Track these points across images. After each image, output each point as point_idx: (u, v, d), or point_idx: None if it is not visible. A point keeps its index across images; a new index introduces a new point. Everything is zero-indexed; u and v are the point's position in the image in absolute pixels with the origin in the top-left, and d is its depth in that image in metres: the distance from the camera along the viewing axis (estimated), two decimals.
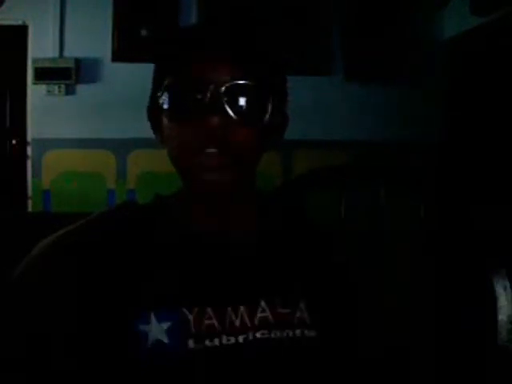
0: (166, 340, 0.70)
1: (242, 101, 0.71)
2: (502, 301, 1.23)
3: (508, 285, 1.25)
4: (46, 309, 0.71)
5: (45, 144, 3.19)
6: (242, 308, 0.73)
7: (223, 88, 0.69)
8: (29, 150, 3.20)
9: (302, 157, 3.24)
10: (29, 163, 3.21)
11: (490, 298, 1.24)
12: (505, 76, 2.66)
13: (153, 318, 0.70)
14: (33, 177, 3.21)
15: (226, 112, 0.69)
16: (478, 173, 2.76)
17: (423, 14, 3.29)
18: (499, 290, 1.24)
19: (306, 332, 0.75)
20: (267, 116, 0.73)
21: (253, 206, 0.81)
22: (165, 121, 0.74)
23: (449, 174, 3.01)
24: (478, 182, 2.67)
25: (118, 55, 3.15)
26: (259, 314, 0.74)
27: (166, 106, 0.73)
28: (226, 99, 0.69)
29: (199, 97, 0.70)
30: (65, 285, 0.71)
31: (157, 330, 0.70)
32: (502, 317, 1.22)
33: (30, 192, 3.21)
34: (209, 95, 0.69)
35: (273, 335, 0.73)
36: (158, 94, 0.74)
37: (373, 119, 3.22)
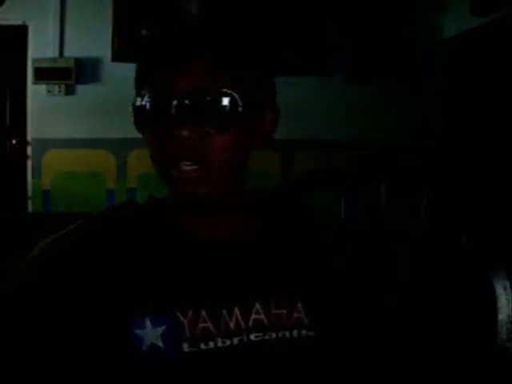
0: (161, 344, 0.70)
1: (210, 109, 0.69)
2: (502, 301, 1.23)
3: (508, 285, 1.25)
4: (45, 308, 0.71)
5: (45, 144, 3.19)
6: (236, 310, 0.73)
7: (188, 99, 0.68)
8: (29, 150, 3.20)
9: (301, 157, 3.24)
10: (29, 163, 3.21)
11: (490, 298, 1.24)
12: (505, 76, 2.66)
13: (148, 323, 0.70)
14: (33, 177, 3.21)
15: (194, 122, 0.69)
16: (478, 173, 2.76)
17: (423, 14, 3.29)
18: (499, 290, 1.24)
19: (303, 332, 0.75)
20: (238, 120, 0.71)
21: (249, 206, 0.81)
22: (144, 131, 0.74)
23: (449, 174, 3.01)
24: (478, 183, 2.67)
25: (118, 55, 3.15)
26: (253, 316, 0.73)
27: (142, 115, 0.72)
28: (192, 110, 0.69)
29: (168, 108, 0.69)
30: (64, 285, 0.71)
31: (152, 334, 0.70)
32: (502, 317, 1.22)
33: (29, 192, 3.21)
34: (175, 107, 0.68)
35: (267, 337, 0.73)
36: (137, 100, 0.73)
37: (373, 119, 3.22)
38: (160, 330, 0.70)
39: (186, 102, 0.69)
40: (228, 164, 0.72)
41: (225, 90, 0.70)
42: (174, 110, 0.69)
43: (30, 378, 0.70)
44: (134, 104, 0.74)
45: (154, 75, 0.72)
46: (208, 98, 0.69)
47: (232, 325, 0.72)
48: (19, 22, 3.13)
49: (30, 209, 3.20)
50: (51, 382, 0.70)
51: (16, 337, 0.71)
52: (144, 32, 3.14)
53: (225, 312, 0.73)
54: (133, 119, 0.77)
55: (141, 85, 0.74)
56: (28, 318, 0.71)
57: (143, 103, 0.72)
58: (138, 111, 0.73)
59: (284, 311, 0.75)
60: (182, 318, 0.71)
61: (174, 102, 0.69)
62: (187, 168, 0.70)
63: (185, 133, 0.68)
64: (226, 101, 0.70)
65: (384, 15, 3.25)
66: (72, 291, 0.71)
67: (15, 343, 0.71)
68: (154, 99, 0.71)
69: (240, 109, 0.71)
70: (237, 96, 0.70)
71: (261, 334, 0.73)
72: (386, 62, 3.25)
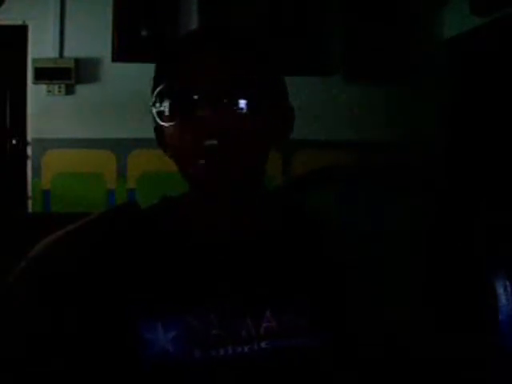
0: (171, 349, 0.69)
1: (239, 95, 0.71)
2: (502, 301, 1.23)
3: (508, 284, 1.25)
4: (45, 308, 0.71)
5: (45, 144, 3.19)
6: (248, 317, 0.73)
7: (215, 84, 0.70)
8: (29, 150, 3.20)
9: (302, 157, 3.23)
10: (29, 163, 3.20)
11: (490, 298, 1.24)
12: (505, 76, 2.66)
13: (159, 327, 0.70)
14: (33, 177, 3.20)
15: (222, 105, 0.70)
16: (479, 173, 2.76)
17: (423, 13, 3.29)
18: (499, 289, 1.24)
19: (312, 340, 0.74)
20: (264, 108, 0.73)
21: (260, 207, 0.80)
22: (164, 127, 0.75)
23: (449, 175, 3.00)
24: (479, 183, 2.67)
25: (118, 55, 3.15)
26: (265, 324, 0.73)
27: (162, 112, 0.74)
28: (219, 94, 0.70)
29: (194, 97, 0.71)
30: (65, 285, 0.71)
31: (163, 338, 0.69)
32: (502, 317, 1.22)
33: (29, 192, 3.21)
34: (202, 93, 0.70)
35: (278, 344, 0.73)
36: (153, 101, 0.74)
37: (373, 119, 3.22)
38: (171, 334, 0.70)
39: (214, 85, 0.71)
40: (249, 150, 0.74)
41: (248, 76, 0.73)
42: (202, 96, 0.70)
43: (29, 379, 0.70)
44: (161, 98, 0.75)
45: (171, 70, 0.74)
46: (235, 83, 0.72)
47: (243, 332, 0.72)
48: (19, 22, 3.12)
49: (29, 209, 3.20)
50: (51, 383, 0.70)
51: (16, 337, 0.71)
52: (144, 32, 3.14)
53: (236, 319, 0.72)
54: (163, 112, 0.78)
55: (156, 85, 0.75)
56: (28, 318, 0.71)
57: (160, 101, 0.74)
58: (157, 110, 0.74)
59: (294, 318, 0.74)
60: (194, 323, 0.71)
61: (204, 86, 0.70)
62: (212, 149, 0.71)
63: (210, 112, 0.70)
64: (251, 86, 0.73)
65: (384, 15, 3.25)
66: (72, 292, 0.71)
67: (15, 343, 0.71)
68: (175, 92, 0.72)
69: (266, 98, 0.74)
70: (262, 85, 0.74)
71: (272, 342, 0.72)
72: (386, 62, 3.24)
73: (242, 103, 0.71)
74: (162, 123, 0.74)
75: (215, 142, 0.70)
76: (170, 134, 0.74)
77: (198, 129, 0.70)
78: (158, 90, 0.74)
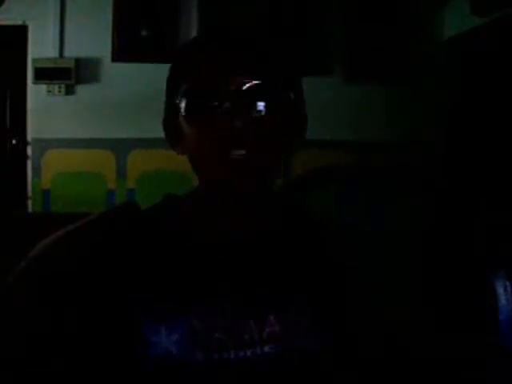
0: (174, 351, 0.69)
1: (264, 100, 0.71)
2: (502, 301, 1.23)
3: (508, 284, 1.24)
4: (45, 309, 0.71)
5: (45, 144, 3.19)
6: (251, 321, 0.73)
7: (244, 88, 0.69)
8: (29, 150, 3.20)
9: (302, 157, 3.23)
10: (29, 163, 3.21)
11: (490, 298, 1.24)
12: (505, 76, 2.66)
13: (162, 329, 0.70)
14: (33, 177, 3.21)
15: (250, 112, 0.70)
16: (479, 173, 2.76)
17: (423, 13, 3.29)
18: (499, 289, 1.24)
19: (312, 340, 0.74)
20: (289, 112, 0.74)
21: (260, 207, 0.80)
22: (186, 127, 0.73)
23: (449, 174, 3.01)
24: (478, 183, 2.67)
25: (118, 55, 3.15)
26: (268, 328, 0.73)
27: (186, 112, 0.72)
28: (247, 99, 0.70)
29: (220, 100, 0.70)
30: (65, 285, 0.71)
31: (166, 340, 0.69)
32: (502, 317, 1.22)
33: (29, 192, 3.21)
34: (231, 97, 0.69)
35: (281, 348, 0.72)
36: (176, 101, 0.73)
37: (373, 119, 3.22)
38: (175, 337, 0.69)
39: (244, 89, 0.70)
40: (275, 156, 0.75)
41: (274, 82, 0.72)
42: (231, 100, 0.69)
43: (29, 379, 0.70)
44: (170, 105, 0.74)
45: (195, 69, 0.72)
46: (262, 88, 0.71)
47: (246, 336, 0.72)
48: (19, 22, 3.12)
49: (29, 209, 3.20)
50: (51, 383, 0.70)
51: (16, 337, 0.71)
52: (144, 32, 3.14)
53: (239, 322, 0.72)
54: (166, 125, 0.77)
55: (177, 83, 0.74)
56: (28, 318, 0.71)
57: (185, 101, 0.72)
58: (180, 110, 0.73)
59: (297, 321, 0.74)
60: (196, 325, 0.71)
61: (232, 90, 0.69)
62: (240, 161, 0.70)
63: (241, 122, 0.69)
64: (277, 91, 0.72)
65: (384, 15, 3.25)
66: (72, 292, 0.71)
67: (15, 343, 0.71)
68: (202, 92, 0.71)
69: (290, 102, 0.74)
70: (286, 89, 0.74)
71: (275, 345, 0.72)
72: (386, 62, 3.24)
73: (261, 105, 0.70)
74: (181, 124, 0.73)
75: (243, 152, 0.69)
76: (189, 136, 0.73)
77: (223, 138, 0.69)
78: (176, 89, 0.73)
